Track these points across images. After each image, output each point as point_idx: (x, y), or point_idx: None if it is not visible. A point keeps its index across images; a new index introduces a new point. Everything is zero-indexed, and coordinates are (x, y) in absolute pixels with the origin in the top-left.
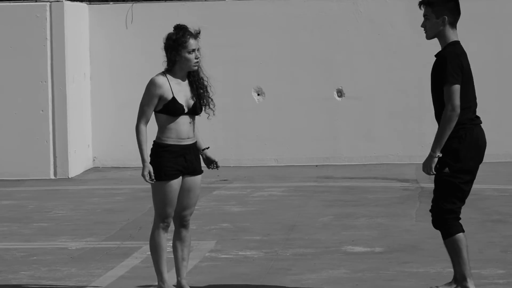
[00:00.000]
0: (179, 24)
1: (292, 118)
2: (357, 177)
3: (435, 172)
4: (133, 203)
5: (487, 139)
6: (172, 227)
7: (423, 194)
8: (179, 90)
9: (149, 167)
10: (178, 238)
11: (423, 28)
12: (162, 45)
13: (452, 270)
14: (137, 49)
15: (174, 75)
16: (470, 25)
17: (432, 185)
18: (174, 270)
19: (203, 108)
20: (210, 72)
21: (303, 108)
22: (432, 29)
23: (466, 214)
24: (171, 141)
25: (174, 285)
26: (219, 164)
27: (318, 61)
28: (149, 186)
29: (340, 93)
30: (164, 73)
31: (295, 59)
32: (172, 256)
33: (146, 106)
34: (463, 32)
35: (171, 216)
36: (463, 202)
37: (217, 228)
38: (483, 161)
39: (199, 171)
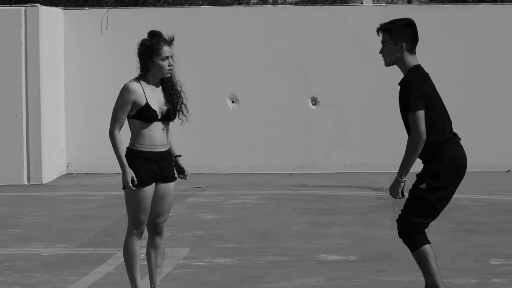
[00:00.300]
0: (153, 30)
1: (266, 126)
2: (331, 186)
3: (401, 196)
4: (107, 210)
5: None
6: (146, 234)
7: (396, 203)
8: (153, 96)
9: (131, 173)
10: (152, 245)
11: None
12: (136, 51)
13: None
14: (112, 55)
15: (148, 81)
16: (448, 33)
17: (406, 196)
18: (147, 277)
19: (177, 114)
20: (185, 79)
21: (277, 116)
22: (390, 56)
23: (440, 224)
24: (144, 148)
25: None
26: (189, 172)
27: (293, 69)
28: (123, 192)
29: (314, 101)
30: (137, 79)
31: (270, 66)
32: (146, 263)
33: (119, 112)
34: (439, 41)
35: (145, 223)
36: (431, 219)
37: (190, 235)
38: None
39: (173, 178)
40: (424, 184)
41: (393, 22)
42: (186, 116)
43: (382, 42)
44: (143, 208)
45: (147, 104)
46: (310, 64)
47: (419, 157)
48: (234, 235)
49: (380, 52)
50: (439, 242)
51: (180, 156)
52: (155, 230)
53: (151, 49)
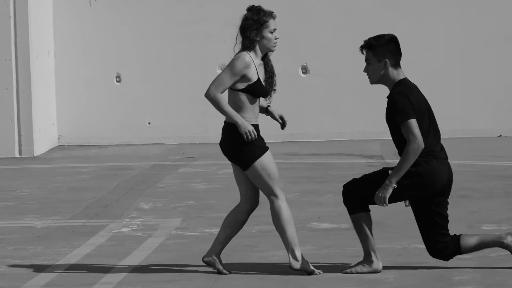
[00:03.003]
0: (253, 5)
1: None
2: (323, 154)
3: (387, 204)
4: (98, 181)
5: (452, 114)
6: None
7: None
8: (260, 72)
9: (249, 124)
10: (246, 217)
11: (365, 73)
12: (124, 21)
13: (417, 246)
14: (101, 27)
15: (256, 56)
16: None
17: (396, 162)
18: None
19: (270, 93)
20: (176, 49)
21: None
22: (375, 73)
23: None
24: (251, 121)
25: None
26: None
27: (283, 37)
28: (115, 163)
29: (304, 69)
30: (248, 52)
31: None
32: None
33: (227, 79)
34: (435, 7)
35: None
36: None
37: (182, 205)
38: (448, 138)
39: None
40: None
41: (376, 39)
42: (271, 95)
43: (366, 60)
44: (277, 170)
45: (259, 79)
46: (299, 33)
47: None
48: (226, 205)
49: (364, 71)
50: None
51: (269, 105)
52: (255, 205)
53: (259, 22)
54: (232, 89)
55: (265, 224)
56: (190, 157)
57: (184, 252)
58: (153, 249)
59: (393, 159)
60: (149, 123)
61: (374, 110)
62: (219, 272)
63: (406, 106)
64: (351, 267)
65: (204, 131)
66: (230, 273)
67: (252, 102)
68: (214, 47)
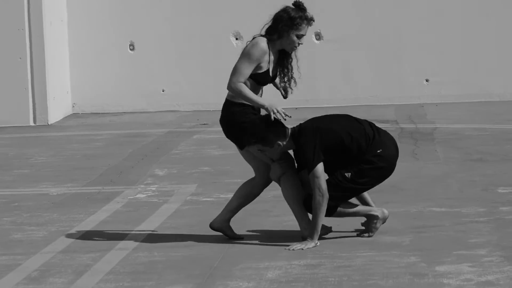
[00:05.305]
0: (299, 3)
1: None
2: None
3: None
4: (113, 149)
5: (467, 79)
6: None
7: (403, 135)
8: (272, 62)
9: (276, 104)
10: (258, 190)
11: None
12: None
13: (432, 209)
14: None
15: (273, 47)
16: None
17: (412, 126)
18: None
19: (279, 84)
20: (189, 18)
21: None
22: (275, 155)
23: (447, 154)
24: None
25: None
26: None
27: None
28: (130, 131)
29: (318, 36)
30: (266, 41)
31: (272, 1)
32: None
33: (245, 68)
34: None
35: None
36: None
37: (198, 171)
38: (462, 103)
39: None
40: (350, 174)
41: (253, 135)
42: (291, 89)
43: (259, 150)
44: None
45: (268, 70)
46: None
47: None
48: (241, 170)
49: (270, 160)
50: (446, 172)
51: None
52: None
53: (292, 21)
54: None
55: (280, 189)
56: (204, 124)
57: (199, 217)
58: (168, 215)
59: (407, 124)
60: (163, 90)
61: (388, 75)
62: (232, 238)
63: (312, 150)
64: (366, 230)
65: (218, 98)
66: (243, 238)
67: (255, 88)
68: (228, 14)
